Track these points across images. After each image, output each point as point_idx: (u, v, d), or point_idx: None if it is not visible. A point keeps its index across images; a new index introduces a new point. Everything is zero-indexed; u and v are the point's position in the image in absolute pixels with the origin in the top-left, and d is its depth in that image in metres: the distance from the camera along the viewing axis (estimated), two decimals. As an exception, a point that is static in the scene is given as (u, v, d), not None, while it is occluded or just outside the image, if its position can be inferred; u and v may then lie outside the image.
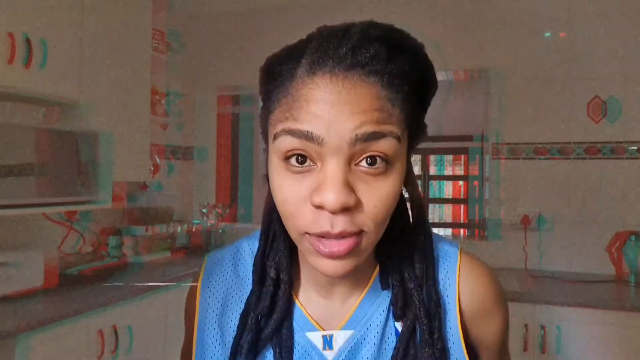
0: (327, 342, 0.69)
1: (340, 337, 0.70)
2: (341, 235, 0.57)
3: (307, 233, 0.58)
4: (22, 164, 2.18)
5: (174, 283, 2.72)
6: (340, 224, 0.56)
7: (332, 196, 0.54)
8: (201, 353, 0.73)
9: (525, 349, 2.52)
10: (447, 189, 4.17)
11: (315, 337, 0.70)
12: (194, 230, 3.54)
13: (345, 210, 0.56)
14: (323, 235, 0.57)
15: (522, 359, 2.52)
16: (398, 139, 0.57)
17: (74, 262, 2.84)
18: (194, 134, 3.88)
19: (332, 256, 0.57)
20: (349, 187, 0.56)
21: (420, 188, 0.81)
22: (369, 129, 0.55)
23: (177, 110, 3.74)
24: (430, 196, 3.82)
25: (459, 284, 0.71)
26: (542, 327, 2.50)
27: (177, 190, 3.75)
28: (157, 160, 3.51)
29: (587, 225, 3.01)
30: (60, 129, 2.42)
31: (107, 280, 2.63)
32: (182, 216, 3.71)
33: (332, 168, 0.56)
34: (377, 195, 0.57)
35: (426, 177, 3.80)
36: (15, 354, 1.92)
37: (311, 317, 0.71)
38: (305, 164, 0.57)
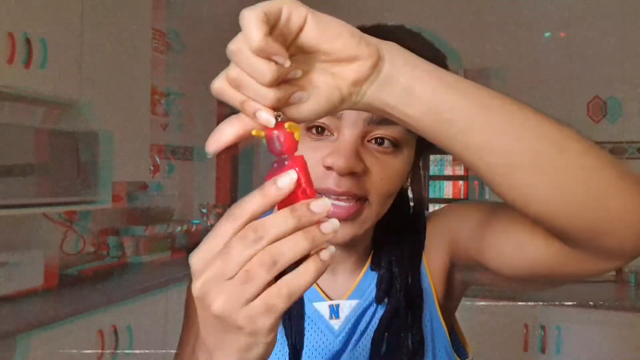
0: (334, 311, 0.73)
1: (347, 307, 0.73)
2: (345, 196, 0.63)
3: None
4: (22, 164, 2.18)
5: (174, 283, 2.72)
6: (346, 184, 0.62)
7: (341, 158, 0.61)
8: None
9: (525, 349, 2.52)
10: (448, 189, 4.16)
11: (322, 307, 0.73)
12: (193, 230, 3.53)
13: (352, 174, 0.62)
14: (329, 195, 0.63)
15: (522, 359, 2.52)
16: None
17: (74, 262, 2.83)
18: (194, 134, 3.87)
19: (334, 217, 0.60)
20: (359, 156, 0.63)
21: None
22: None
23: (177, 110, 3.73)
24: (431, 196, 3.82)
25: (425, 248, 0.76)
26: (542, 327, 2.50)
27: (177, 190, 3.74)
28: (157, 160, 3.50)
29: (587, 225, 2.99)
30: (60, 129, 2.42)
31: (107, 281, 2.63)
32: (182, 216, 3.70)
33: (347, 137, 0.63)
34: (385, 169, 0.65)
35: (426, 177, 3.80)
36: (15, 354, 1.92)
37: (319, 287, 0.74)
38: (324, 134, 0.65)
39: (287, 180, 0.41)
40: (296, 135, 0.42)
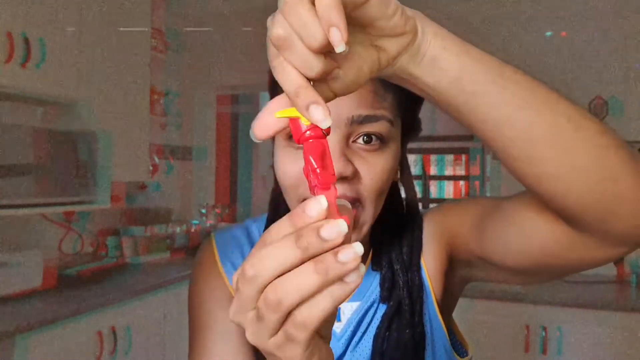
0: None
1: (348, 309, 0.73)
2: None
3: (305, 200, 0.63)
4: (20, 164, 2.17)
5: (173, 284, 2.71)
6: (339, 189, 0.60)
7: None
8: None
9: (526, 350, 2.51)
10: (448, 189, 4.16)
11: None
12: (193, 230, 3.53)
13: (343, 179, 0.61)
14: None
15: (523, 360, 2.52)
16: (391, 122, 0.64)
17: (73, 263, 2.82)
18: (193, 134, 3.87)
19: None
20: (347, 159, 0.62)
21: (417, 186, 0.83)
22: (364, 112, 0.62)
23: (176, 110, 3.73)
24: (431, 196, 3.81)
25: (423, 250, 0.75)
26: (544, 328, 2.49)
27: (176, 190, 3.74)
28: (156, 160, 3.49)
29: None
30: (59, 128, 2.41)
31: (105, 281, 2.62)
32: (181, 216, 3.70)
33: (331, 141, 0.60)
34: (373, 169, 0.64)
35: (426, 177, 3.79)
36: (14, 354, 1.92)
37: None
38: None
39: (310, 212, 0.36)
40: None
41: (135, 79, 2.92)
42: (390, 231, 0.75)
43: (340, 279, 0.36)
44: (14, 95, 2.30)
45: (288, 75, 0.37)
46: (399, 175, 0.74)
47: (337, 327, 0.72)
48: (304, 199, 0.63)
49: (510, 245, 0.61)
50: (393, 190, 0.75)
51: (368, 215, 0.66)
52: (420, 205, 0.80)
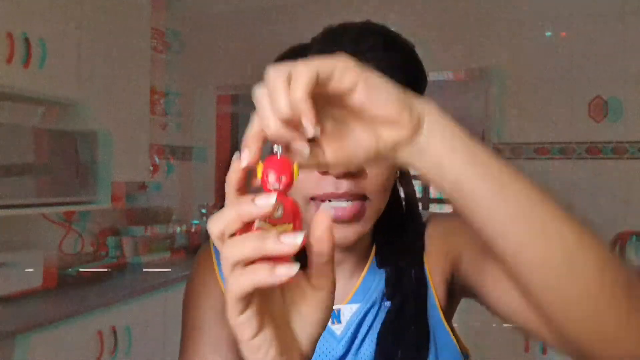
0: (335, 316, 0.72)
1: (348, 311, 0.73)
2: (345, 197, 0.63)
3: (312, 199, 0.64)
4: (21, 164, 2.17)
5: (173, 284, 2.72)
6: (345, 185, 0.62)
7: None
8: None
9: (526, 350, 2.51)
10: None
11: None
12: (193, 230, 3.53)
13: (349, 175, 0.62)
14: (329, 199, 0.63)
15: (523, 360, 2.52)
16: None
17: (73, 263, 2.83)
18: (193, 134, 3.87)
19: (338, 220, 0.63)
20: None
21: (417, 187, 0.85)
22: None
23: (176, 110, 3.73)
24: (431, 196, 3.80)
25: (426, 248, 0.75)
26: (543, 328, 2.49)
27: (176, 190, 3.74)
28: (156, 160, 3.49)
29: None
30: (59, 129, 2.41)
31: (106, 281, 2.62)
32: (181, 216, 3.70)
33: None
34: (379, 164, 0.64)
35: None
36: (14, 354, 1.92)
37: None
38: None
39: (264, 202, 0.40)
40: (294, 174, 0.42)
41: (135, 79, 2.92)
42: (392, 231, 0.75)
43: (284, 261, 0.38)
44: (15, 96, 2.30)
45: (251, 124, 0.42)
46: (398, 175, 0.75)
47: (337, 329, 0.72)
48: (311, 198, 0.64)
49: (505, 294, 0.61)
50: (392, 190, 0.75)
51: (374, 209, 0.66)
52: (420, 205, 0.80)
